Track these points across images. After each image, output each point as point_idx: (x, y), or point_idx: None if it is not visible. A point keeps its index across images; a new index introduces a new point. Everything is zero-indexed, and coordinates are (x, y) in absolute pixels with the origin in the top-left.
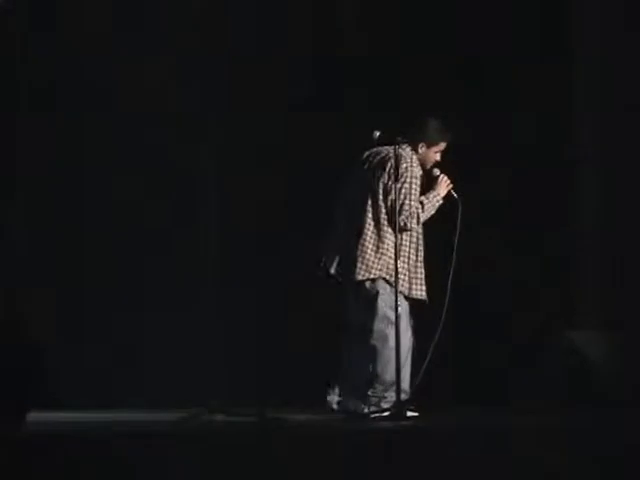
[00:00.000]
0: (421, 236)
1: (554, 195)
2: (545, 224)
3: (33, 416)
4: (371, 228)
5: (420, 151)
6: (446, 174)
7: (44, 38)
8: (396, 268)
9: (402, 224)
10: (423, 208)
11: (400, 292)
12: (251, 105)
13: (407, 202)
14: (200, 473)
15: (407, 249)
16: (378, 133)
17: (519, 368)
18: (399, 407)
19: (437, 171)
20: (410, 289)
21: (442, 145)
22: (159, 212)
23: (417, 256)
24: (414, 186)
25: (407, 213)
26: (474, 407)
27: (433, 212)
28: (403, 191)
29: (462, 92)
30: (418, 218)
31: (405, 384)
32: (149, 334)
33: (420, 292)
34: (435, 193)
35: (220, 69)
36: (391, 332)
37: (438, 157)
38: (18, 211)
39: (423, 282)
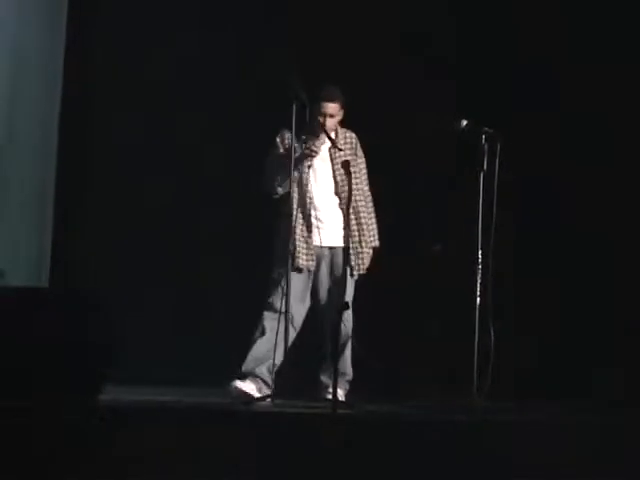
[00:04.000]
0: (314, 201)
1: None
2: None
3: (109, 390)
4: None
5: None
6: None
7: None
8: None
9: None
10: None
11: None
12: None
13: None
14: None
15: (297, 220)
16: (465, 122)
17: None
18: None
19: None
20: (296, 259)
21: (323, 107)
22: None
23: (305, 226)
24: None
25: None
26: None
27: (303, 169)
28: None
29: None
30: (272, 183)
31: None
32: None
33: (303, 262)
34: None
35: None
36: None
37: (322, 119)
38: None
39: (309, 252)
